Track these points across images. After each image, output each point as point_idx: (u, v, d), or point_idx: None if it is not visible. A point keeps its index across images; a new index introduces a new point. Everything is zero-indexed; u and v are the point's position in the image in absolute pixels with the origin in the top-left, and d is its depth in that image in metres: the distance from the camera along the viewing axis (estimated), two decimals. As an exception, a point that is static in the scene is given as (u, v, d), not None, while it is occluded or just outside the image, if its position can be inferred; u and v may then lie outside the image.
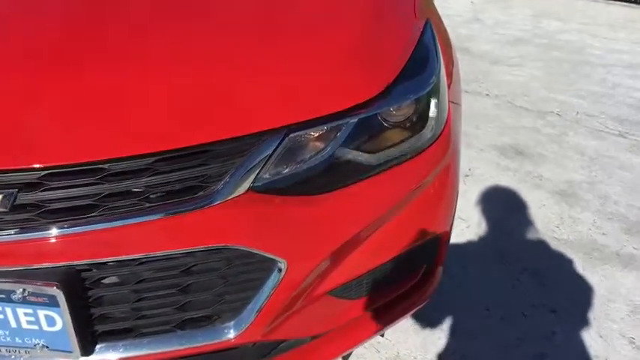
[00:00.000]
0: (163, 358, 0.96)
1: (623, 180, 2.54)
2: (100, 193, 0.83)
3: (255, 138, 0.87)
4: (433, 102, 1.05)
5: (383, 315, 1.18)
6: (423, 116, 1.04)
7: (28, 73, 0.88)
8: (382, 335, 1.60)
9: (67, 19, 1.01)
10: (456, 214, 1.25)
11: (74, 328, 0.87)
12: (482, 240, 2.10)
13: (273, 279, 0.93)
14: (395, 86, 0.98)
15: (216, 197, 0.86)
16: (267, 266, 0.93)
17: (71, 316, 0.86)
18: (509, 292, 1.83)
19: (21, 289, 0.84)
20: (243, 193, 0.88)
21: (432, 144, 1.06)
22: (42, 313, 0.86)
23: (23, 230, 0.83)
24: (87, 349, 0.91)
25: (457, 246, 2.04)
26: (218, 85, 0.89)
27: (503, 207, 2.32)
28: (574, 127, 3.08)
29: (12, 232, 0.82)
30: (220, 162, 0.86)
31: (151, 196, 0.85)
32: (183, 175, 0.85)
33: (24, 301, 0.85)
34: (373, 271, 1.08)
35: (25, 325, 0.88)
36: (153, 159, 0.83)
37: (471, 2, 6.12)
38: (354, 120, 0.94)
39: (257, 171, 0.88)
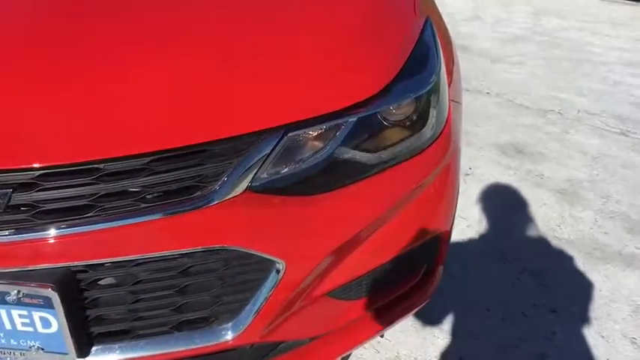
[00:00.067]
0: (160, 360, 0.95)
1: (625, 179, 2.52)
2: (96, 194, 0.82)
3: (253, 137, 0.86)
4: (433, 101, 1.04)
5: (383, 315, 1.17)
6: (423, 115, 1.02)
7: (21, 73, 0.87)
8: (382, 336, 1.59)
9: (60, 16, 1.00)
10: (456, 213, 1.24)
11: (70, 330, 0.86)
12: (483, 239, 2.09)
13: (272, 280, 0.92)
14: (395, 85, 0.97)
15: (213, 197, 0.85)
16: (265, 267, 0.92)
17: (66, 317, 0.85)
18: (509, 292, 1.82)
19: (15, 291, 0.83)
20: (240, 193, 0.87)
21: (432, 143, 1.05)
22: (37, 314, 0.85)
23: (18, 231, 0.81)
24: (83, 351, 0.90)
25: (457, 245, 2.03)
26: (215, 83, 0.88)
27: (504, 206, 2.31)
28: (575, 126, 3.07)
29: (6, 232, 0.81)
30: (217, 162, 0.85)
31: (148, 196, 0.84)
32: (179, 175, 0.84)
33: (19, 303, 0.84)
34: (373, 271, 1.07)
35: (20, 327, 0.87)
36: (149, 159, 0.82)
37: None
38: (354, 119, 0.93)
39: (255, 171, 0.87)
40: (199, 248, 0.87)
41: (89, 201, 0.82)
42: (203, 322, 0.95)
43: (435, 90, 1.04)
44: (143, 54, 0.91)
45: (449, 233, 1.21)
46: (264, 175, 0.89)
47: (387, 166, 0.99)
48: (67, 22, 0.99)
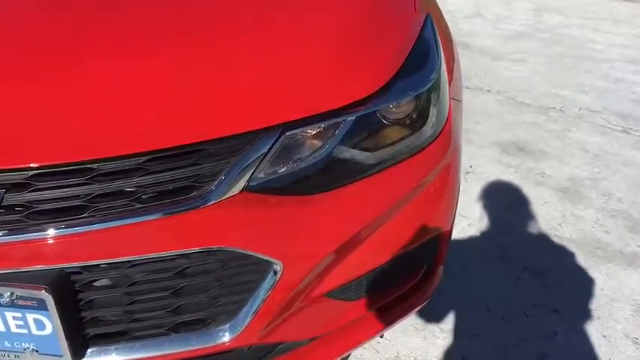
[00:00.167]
0: (157, 362, 0.93)
1: (627, 177, 2.51)
2: (90, 194, 0.81)
3: (249, 136, 0.85)
4: (434, 99, 1.03)
5: (382, 316, 1.15)
6: (423, 113, 1.01)
7: (12, 72, 0.85)
8: (382, 336, 1.58)
9: (52, 16, 0.98)
10: (456, 212, 1.22)
11: (64, 332, 0.85)
12: (484, 238, 2.07)
13: (269, 281, 0.91)
14: (394, 82, 0.95)
15: (209, 197, 0.84)
16: (262, 268, 0.91)
17: (61, 319, 0.84)
18: (510, 291, 1.80)
19: (9, 293, 0.82)
20: (237, 193, 0.86)
21: (432, 142, 1.03)
22: (31, 316, 0.84)
23: (11, 232, 0.80)
24: (78, 353, 0.89)
25: (458, 244, 2.02)
26: (211, 81, 0.87)
27: (505, 204, 2.29)
28: (576, 123, 3.05)
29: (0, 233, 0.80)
30: (214, 161, 0.84)
31: (143, 196, 0.82)
32: (175, 175, 0.83)
33: (12, 305, 0.83)
34: (372, 271, 1.05)
35: (14, 329, 0.86)
36: (144, 158, 0.80)
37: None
38: (352, 117, 0.91)
39: (252, 170, 0.86)
40: (196, 249, 0.86)
41: (83, 201, 0.81)
42: (200, 324, 0.94)
43: (436, 88, 1.03)
44: (138, 52, 0.90)
45: (449, 233, 1.20)
46: (262, 175, 0.87)
47: (386, 166, 0.97)
48: (58, 18, 0.97)
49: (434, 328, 1.65)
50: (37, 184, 0.79)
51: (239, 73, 0.89)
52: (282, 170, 0.89)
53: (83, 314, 0.88)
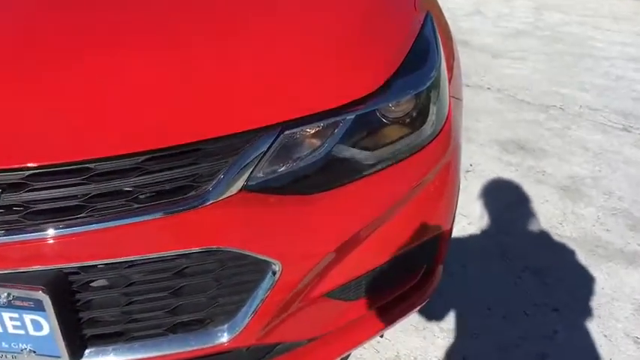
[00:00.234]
0: (155, 362, 0.93)
1: (628, 175, 2.50)
2: (88, 194, 0.80)
3: (248, 135, 0.84)
4: (433, 97, 1.02)
5: (382, 316, 1.15)
6: (423, 112, 1.00)
7: (8, 71, 0.85)
8: (381, 335, 1.57)
9: (50, 16, 0.97)
10: (456, 211, 1.22)
11: (62, 333, 0.85)
12: (484, 236, 2.07)
13: (268, 281, 0.90)
14: (394, 81, 0.94)
15: (208, 197, 0.83)
16: (261, 268, 0.90)
17: (58, 320, 0.83)
18: (510, 291, 1.80)
19: (6, 293, 0.81)
20: (236, 193, 0.85)
21: (432, 140, 1.03)
22: (28, 317, 0.83)
23: (8, 232, 0.80)
24: (75, 354, 0.88)
25: (458, 242, 2.01)
26: (209, 80, 0.86)
27: (505, 203, 2.28)
28: (577, 121, 3.04)
29: (-4, 234, 0.79)
30: (212, 161, 0.83)
31: (141, 196, 0.82)
32: (173, 175, 0.82)
33: (9, 306, 0.82)
34: (372, 271, 1.05)
35: (11, 330, 0.85)
36: (141, 158, 0.80)
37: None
38: (352, 116, 0.91)
39: (250, 170, 0.85)
40: (194, 249, 0.85)
41: (81, 201, 0.80)
42: (198, 324, 0.93)
43: (435, 86, 1.02)
44: (136, 51, 0.89)
45: (449, 232, 1.20)
46: (260, 174, 0.87)
47: (386, 165, 0.97)
48: (55, 17, 0.96)
49: (434, 327, 1.65)
50: (34, 184, 0.78)
51: (237, 71, 0.88)
52: (281, 169, 0.89)
53: (81, 315, 0.87)
